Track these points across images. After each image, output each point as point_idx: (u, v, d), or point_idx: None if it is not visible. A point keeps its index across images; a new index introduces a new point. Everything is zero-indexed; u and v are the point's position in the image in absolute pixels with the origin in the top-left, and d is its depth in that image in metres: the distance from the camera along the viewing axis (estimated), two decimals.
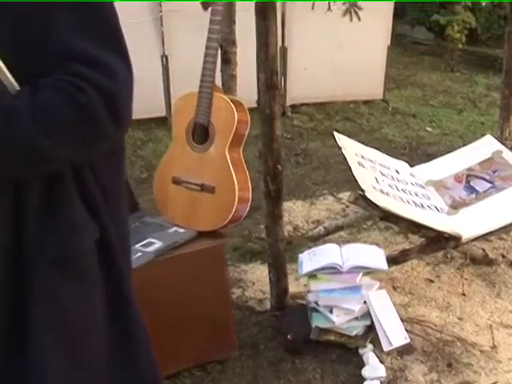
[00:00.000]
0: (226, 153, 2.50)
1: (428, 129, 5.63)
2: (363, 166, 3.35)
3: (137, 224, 2.54)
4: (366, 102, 6.16)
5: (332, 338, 2.84)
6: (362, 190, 3.01)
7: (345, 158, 3.32)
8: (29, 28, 1.34)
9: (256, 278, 3.36)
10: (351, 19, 2.97)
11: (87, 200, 1.48)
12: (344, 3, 2.96)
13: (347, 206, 4.12)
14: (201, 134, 2.54)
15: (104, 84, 1.33)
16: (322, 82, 5.89)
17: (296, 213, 4.02)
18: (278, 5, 3.06)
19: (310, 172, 4.67)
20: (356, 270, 2.83)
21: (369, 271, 2.92)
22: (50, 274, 1.44)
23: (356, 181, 3.08)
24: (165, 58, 5.30)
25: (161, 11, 5.30)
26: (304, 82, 5.83)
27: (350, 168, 3.20)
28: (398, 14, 6.91)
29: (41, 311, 1.44)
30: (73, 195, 1.45)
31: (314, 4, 2.91)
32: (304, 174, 4.63)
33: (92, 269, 1.51)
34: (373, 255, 2.93)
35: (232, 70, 3.81)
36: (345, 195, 4.25)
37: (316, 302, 2.86)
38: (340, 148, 3.36)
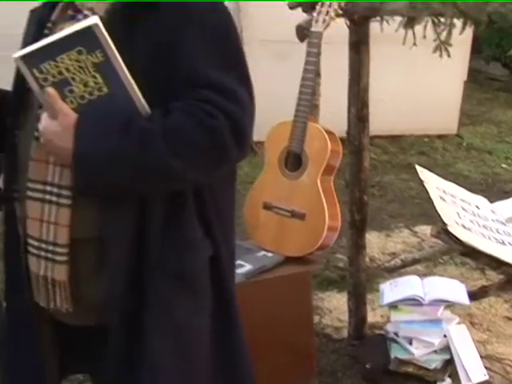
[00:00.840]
0: (318, 181, 2.56)
1: (504, 166, 5.60)
2: (445, 201, 3.36)
3: None
4: (439, 137, 6.16)
5: (410, 369, 2.85)
6: (445, 224, 3.02)
7: (426, 192, 3.34)
8: (160, 54, 1.44)
9: (333, 306, 3.40)
10: (441, 56, 3.01)
11: (203, 218, 1.56)
12: (435, 40, 3.00)
13: (423, 240, 4.14)
14: (294, 161, 2.61)
15: (231, 110, 1.41)
16: (397, 114, 5.91)
17: (372, 244, 4.05)
18: None
19: (386, 204, 4.70)
20: (437, 303, 2.84)
21: (449, 305, 2.93)
22: (167, 287, 1.52)
23: (439, 215, 3.09)
24: None
25: (242, 39, 5.42)
26: (378, 114, 5.84)
27: (432, 202, 3.22)
28: (474, 49, 6.89)
29: (157, 321, 1.52)
30: (192, 213, 1.53)
31: (405, 38, 2.94)
32: (380, 206, 4.66)
33: (204, 284, 1.58)
34: (454, 289, 2.94)
35: (316, 100, 3.88)
36: (420, 229, 4.29)
37: (396, 333, 2.88)
38: (422, 182, 3.38)
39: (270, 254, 2.60)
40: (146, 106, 1.42)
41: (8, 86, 1.75)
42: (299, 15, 3.10)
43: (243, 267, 2.50)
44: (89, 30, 1.33)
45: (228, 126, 1.40)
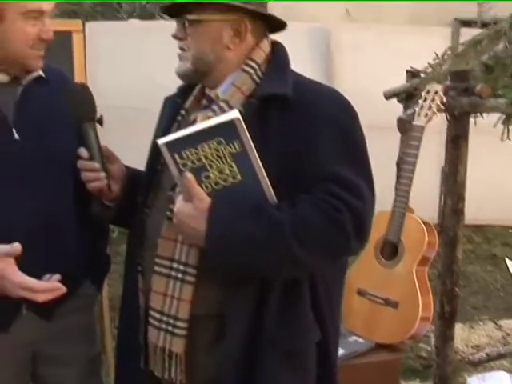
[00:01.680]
0: (413, 271, 2.60)
1: None
2: None
3: None
4: None
5: None
6: None
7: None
8: (290, 151, 1.54)
9: None
10: None
11: (315, 303, 1.63)
12: None
13: (508, 334, 4.07)
14: (390, 250, 2.66)
15: (355, 205, 1.49)
16: (482, 204, 5.87)
17: (456, 336, 4.00)
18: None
19: (469, 295, 4.65)
20: None
21: None
22: (277, 364, 1.59)
23: None
24: None
25: None
26: None
27: None
28: None
29: None
30: (306, 298, 1.61)
31: (502, 134, 2.98)
32: (463, 297, 4.59)
33: (311, 363, 1.65)
34: None
35: None
36: (505, 323, 4.22)
37: None
38: None
39: (361, 340, 2.64)
40: (274, 196, 1.52)
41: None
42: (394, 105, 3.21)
43: None
44: (231, 123, 1.44)
45: (351, 221, 1.48)
